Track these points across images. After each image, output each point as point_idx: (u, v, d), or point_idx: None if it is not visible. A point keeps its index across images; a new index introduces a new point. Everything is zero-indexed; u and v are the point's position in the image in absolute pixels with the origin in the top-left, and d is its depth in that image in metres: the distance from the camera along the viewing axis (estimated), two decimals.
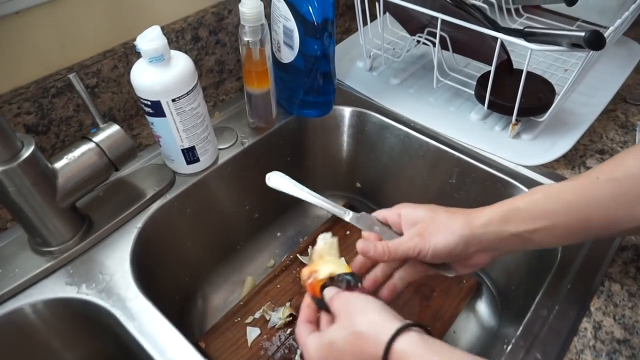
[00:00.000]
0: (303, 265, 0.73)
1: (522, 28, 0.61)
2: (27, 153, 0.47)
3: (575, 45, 0.56)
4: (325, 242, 0.51)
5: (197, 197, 0.66)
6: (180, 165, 0.64)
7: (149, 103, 0.56)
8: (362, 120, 0.78)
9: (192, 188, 0.65)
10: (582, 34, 0.54)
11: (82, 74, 0.64)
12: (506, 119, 0.73)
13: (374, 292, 0.51)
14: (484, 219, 0.45)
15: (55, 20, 0.61)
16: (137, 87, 0.55)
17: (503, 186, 0.65)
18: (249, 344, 0.64)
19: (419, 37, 0.81)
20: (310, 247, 0.74)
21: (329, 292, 0.46)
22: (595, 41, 0.54)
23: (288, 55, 0.68)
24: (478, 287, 0.73)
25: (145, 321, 0.50)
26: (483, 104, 0.70)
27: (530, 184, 0.64)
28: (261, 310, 0.67)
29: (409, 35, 0.85)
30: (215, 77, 0.82)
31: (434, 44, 0.73)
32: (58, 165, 0.52)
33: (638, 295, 0.52)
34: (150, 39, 0.52)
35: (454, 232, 0.45)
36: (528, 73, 0.62)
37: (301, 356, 0.62)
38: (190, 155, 0.62)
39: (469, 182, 0.69)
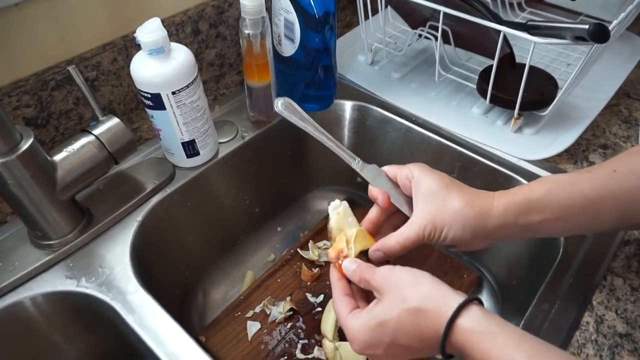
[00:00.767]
0: (303, 260, 0.73)
1: (525, 22, 0.61)
2: (26, 145, 0.47)
3: (579, 38, 0.55)
4: (338, 211, 0.49)
5: (197, 190, 0.66)
6: (180, 158, 0.63)
7: (149, 96, 0.55)
8: (363, 114, 0.77)
9: (192, 182, 0.65)
10: (586, 26, 0.53)
11: (82, 66, 0.64)
12: (508, 113, 0.72)
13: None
14: (500, 211, 0.44)
15: (55, 13, 0.60)
16: (137, 79, 0.55)
17: (505, 180, 0.65)
18: (250, 339, 0.64)
19: (421, 30, 0.80)
20: (311, 241, 0.74)
21: (364, 270, 0.43)
22: (599, 34, 0.53)
23: (289, 49, 0.68)
24: (479, 281, 0.73)
25: (145, 315, 0.50)
26: (485, 98, 0.70)
27: (532, 178, 0.63)
28: (261, 305, 0.67)
29: (410, 29, 0.84)
30: (215, 70, 0.82)
31: (435, 38, 0.73)
32: (57, 158, 0.52)
33: None
34: (150, 31, 0.52)
35: (466, 224, 0.44)
36: (531, 67, 0.62)
37: (302, 351, 0.62)
38: (190, 148, 0.62)
39: (470, 177, 0.68)
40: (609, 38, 0.54)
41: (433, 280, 0.39)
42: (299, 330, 0.64)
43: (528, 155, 0.66)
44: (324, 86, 0.72)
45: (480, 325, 0.35)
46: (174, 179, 0.64)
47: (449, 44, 0.77)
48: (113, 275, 0.53)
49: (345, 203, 0.50)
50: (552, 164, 0.66)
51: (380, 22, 0.79)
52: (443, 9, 0.65)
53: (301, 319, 0.66)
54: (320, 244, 0.74)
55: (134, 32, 0.53)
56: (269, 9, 0.62)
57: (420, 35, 0.81)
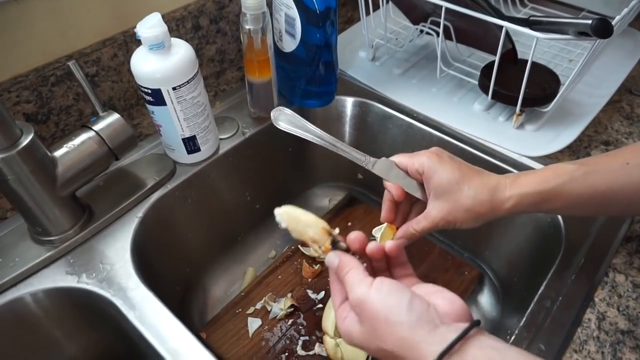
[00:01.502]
0: (304, 256, 0.73)
1: (527, 17, 0.60)
2: (26, 141, 0.47)
3: (581, 33, 0.55)
4: (286, 214, 0.47)
5: (198, 187, 0.66)
6: (181, 154, 0.63)
7: (150, 91, 0.55)
8: (364, 110, 0.77)
9: (192, 178, 0.65)
10: (589, 21, 0.53)
11: (82, 62, 0.64)
12: (510, 109, 0.72)
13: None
14: (511, 203, 0.45)
15: (55, 8, 0.60)
16: (138, 74, 0.55)
17: None
18: (250, 335, 0.64)
19: (422, 26, 0.80)
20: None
21: (336, 265, 0.41)
22: (602, 29, 0.53)
23: (290, 44, 0.67)
24: (480, 278, 0.73)
25: (146, 311, 0.50)
26: (487, 94, 0.69)
27: None
28: (262, 301, 0.67)
29: (412, 25, 0.84)
30: (216, 66, 0.81)
31: (437, 34, 0.72)
32: (58, 153, 0.51)
33: None
34: (151, 26, 0.52)
35: (478, 219, 0.46)
36: (533, 63, 0.62)
37: (303, 348, 0.62)
38: (191, 144, 0.62)
39: None
40: (613, 33, 0.54)
41: (409, 316, 0.35)
42: (300, 327, 0.64)
43: (530, 151, 0.66)
44: (325, 82, 0.72)
45: None
46: (175, 175, 0.63)
47: (451, 39, 0.77)
48: (114, 271, 0.53)
49: (284, 207, 0.47)
50: (554, 160, 0.65)
51: (382, 18, 0.79)
52: (445, 4, 0.65)
53: (302, 316, 0.65)
54: None
55: (134, 27, 0.53)
56: (269, 4, 0.62)
57: (421, 31, 0.81)
